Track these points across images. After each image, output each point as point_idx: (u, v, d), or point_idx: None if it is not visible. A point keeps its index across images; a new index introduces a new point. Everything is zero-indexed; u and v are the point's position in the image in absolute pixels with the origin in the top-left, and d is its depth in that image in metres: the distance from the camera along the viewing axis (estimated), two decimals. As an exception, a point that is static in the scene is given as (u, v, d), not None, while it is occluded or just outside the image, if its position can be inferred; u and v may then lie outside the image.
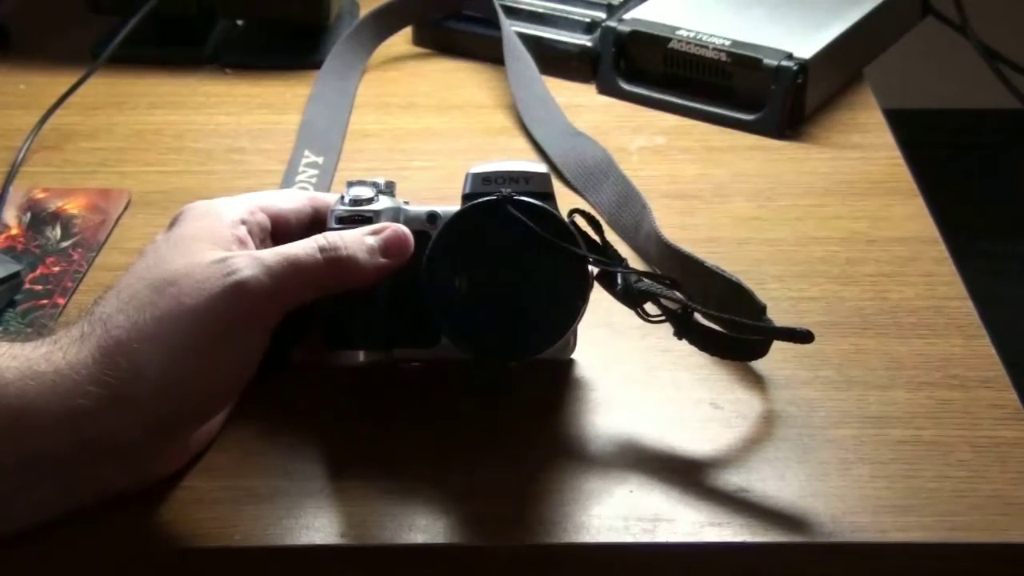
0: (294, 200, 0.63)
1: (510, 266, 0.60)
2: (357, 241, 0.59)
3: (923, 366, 0.66)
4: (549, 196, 0.61)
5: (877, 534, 0.56)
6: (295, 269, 0.57)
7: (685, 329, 0.61)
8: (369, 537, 0.57)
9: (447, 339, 0.61)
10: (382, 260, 0.60)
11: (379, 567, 0.58)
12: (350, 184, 0.63)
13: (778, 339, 0.59)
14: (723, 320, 0.61)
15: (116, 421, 0.54)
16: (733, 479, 0.59)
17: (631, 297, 0.61)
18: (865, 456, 0.60)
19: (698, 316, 0.61)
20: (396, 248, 0.60)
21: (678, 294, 0.61)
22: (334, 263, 0.58)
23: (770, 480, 0.59)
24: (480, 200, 0.60)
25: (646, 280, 0.61)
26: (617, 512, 0.58)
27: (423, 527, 0.57)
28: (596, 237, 0.62)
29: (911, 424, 0.62)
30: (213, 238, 0.58)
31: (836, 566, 0.57)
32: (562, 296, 0.60)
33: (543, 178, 0.61)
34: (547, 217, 0.60)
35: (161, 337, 0.54)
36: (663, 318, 0.61)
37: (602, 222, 0.63)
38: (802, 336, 0.58)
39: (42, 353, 0.54)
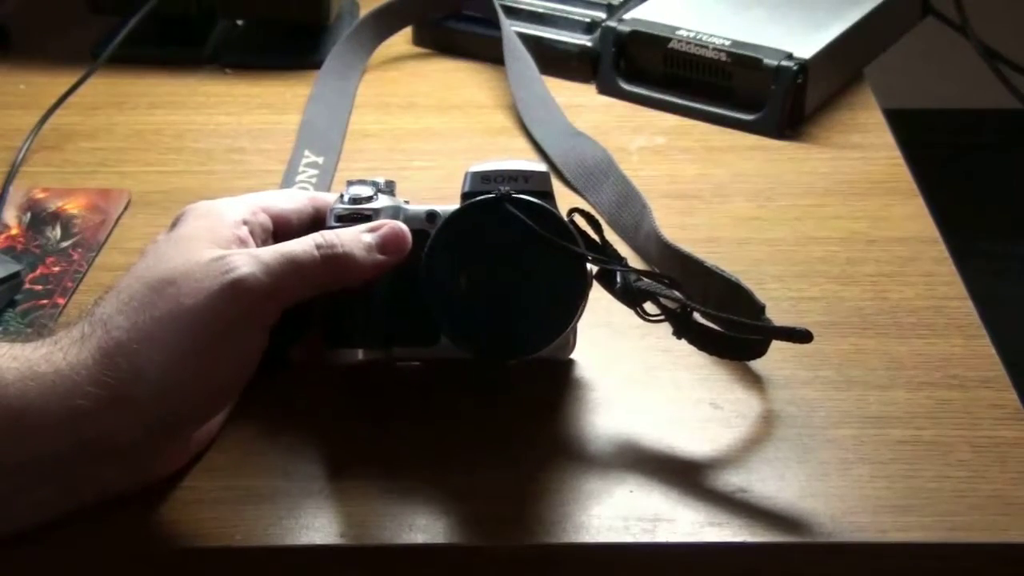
0: (295, 200, 0.63)
1: (509, 264, 0.60)
2: (354, 238, 0.59)
3: (923, 366, 0.66)
4: (548, 195, 0.61)
5: (877, 534, 0.56)
6: (293, 267, 0.57)
7: (684, 328, 0.61)
8: (369, 537, 0.57)
9: (446, 338, 0.61)
10: (379, 257, 0.60)
11: (379, 567, 0.58)
12: (350, 183, 0.63)
13: (777, 339, 0.59)
14: (722, 319, 0.61)
15: (116, 422, 0.54)
16: (733, 479, 0.59)
17: (630, 296, 0.61)
18: (865, 456, 0.60)
19: (697, 316, 0.61)
20: (393, 245, 0.60)
21: (677, 293, 0.61)
22: (331, 260, 0.58)
23: (770, 480, 0.59)
24: (478, 198, 0.60)
25: (645, 279, 0.61)
26: (617, 512, 0.58)
27: (423, 527, 0.57)
28: (596, 236, 0.62)
29: (911, 424, 0.62)
30: (214, 238, 0.58)
31: (836, 566, 0.57)
32: (561, 294, 0.60)
33: (542, 177, 0.61)
34: (545, 215, 0.60)
35: (161, 338, 0.54)
36: (662, 317, 0.61)
37: (602, 222, 0.63)
38: (801, 336, 0.58)
39: (42, 354, 0.54)
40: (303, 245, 0.58)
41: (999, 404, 0.63)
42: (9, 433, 0.53)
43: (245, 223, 0.60)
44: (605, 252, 0.62)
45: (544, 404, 0.64)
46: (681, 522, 0.57)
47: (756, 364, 0.65)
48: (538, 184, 0.61)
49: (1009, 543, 0.56)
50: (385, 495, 0.59)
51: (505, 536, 0.57)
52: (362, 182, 0.63)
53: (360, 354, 0.62)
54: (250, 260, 0.56)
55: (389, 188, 0.64)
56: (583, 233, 0.61)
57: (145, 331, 0.54)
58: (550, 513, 0.58)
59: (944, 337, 0.68)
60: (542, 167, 0.61)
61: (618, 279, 0.61)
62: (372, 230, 0.60)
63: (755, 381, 0.65)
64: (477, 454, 0.61)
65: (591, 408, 0.64)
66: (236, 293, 0.55)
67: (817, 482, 0.59)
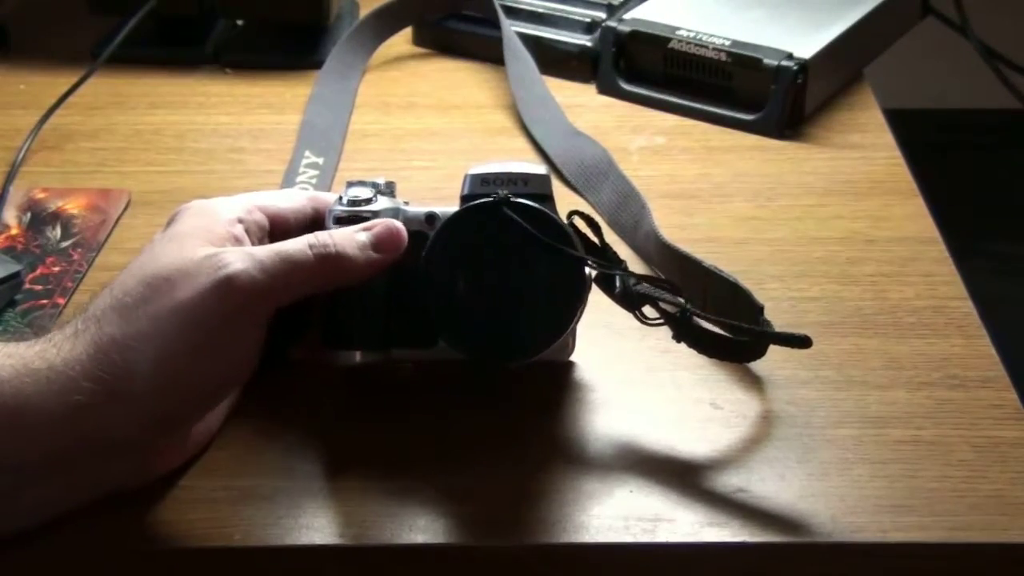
0: (293, 200, 0.63)
1: (507, 267, 0.60)
2: (348, 238, 0.59)
3: (923, 366, 0.66)
4: (548, 198, 0.61)
5: (877, 534, 0.56)
6: (287, 265, 0.57)
7: (684, 333, 0.61)
8: (369, 537, 0.57)
9: (444, 341, 0.61)
10: (374, 255, 0.59)
11: (379, 567, 0.58)
12: (349, 184, 0.63)
13: (776, 344, 0.59)
14: (722, 324, 0.61)
15: (113, 417, 0.54)
16: (733, 479, 0.59)
17: (629, 300, 0.61)
18: (865, 456, 0.60)
19: (697, 319, 0.61)
20: (388, 243, 0.60)
21: (678, 298, 0.61)
22: (325, 260, 0.58)
23: (770, 480, 0.59)
24: (477, 202, 0.60)
25: (645, 283, 0.61)
26: (617, 512, 0.58)
27: (423, 527, 0.57)
28: (595, 239, 0.62)
29: (911, 424, 0.62)
30: (208, 235, 0.58)
31: (836, 566, 0.57)
32: (559, 297, 0.60)
33: (542, 179, 0.61)
34: (544, 219, 0.60)
35: (154, 334, 0.54)
36: (661, 321, 0.61)
37: (601, 224, 0.63)
38: (800, 341, 0.58)
39: (36, 351, 0.54)
40: (297, 244, 0.58)
41: (999, 404, 0.63)
42: (7, 431, 0.53)
43: (240, 221, 0.60)
44: (605, 255, 0.62)
45: (544, 404, 0.64)
46: (681, 522, 0.57)
47: (756, 364, 0.65)
48: (538, 187, 0.61)
49: (1009, 543, 0.56)
50: (385, 495, 0.59)
51: (505, 536, 0.57)
52: (362, 183, 0.63)
53: (358, 356, 0.62)
54: (244, 257, 0.56)
55: (389, 189, 0.64)
56: (582, 236, 0.61)
57: (138, 327, 0.54)
58: (550, 513, 0.58)
59: (944, 337, 0.68)
60: (542, 169, 0.61)
61: (617, 283, 0.61)
62: (367, 229, 0.60)
63: (755, 381, 0.65)
64: (477, 454, 0.61)
65: (591, 408, 0.64)
66: (229, 290, 0.55)
67: (817, 482, 0.59)
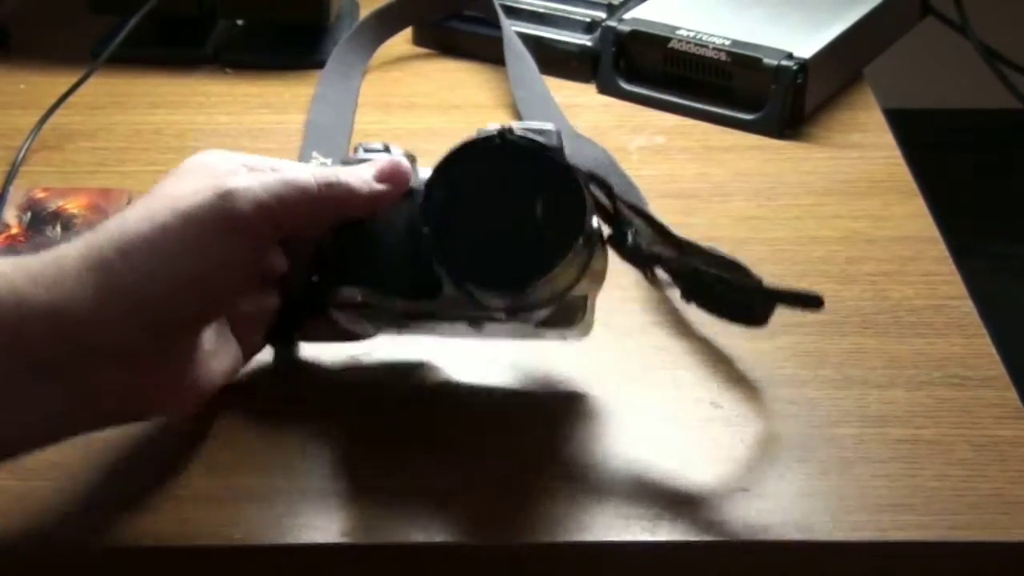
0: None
1: (507, 199, 0.58)
2: (351, 171, 0.60)
3: (923, 365, 0.66)
4: (558, 150, 0.59)
5: (877, 533, 0.56)
6: (290, 188, 0.57)
7: (693, 292, 0.59)
8: (369, 536, 0.57)
9: (445, 275, 0.59)
10: (378, 187, 0.60)
11: (380, 566, 0.58)
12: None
13: (784, 302, 0.58)
14: (731, 282, 0.59)
15: (105, 319, 0.53)
16: (733, 478, 0.59)
17: (641, 259, 0.60)
18: (865, 455, 0.60)
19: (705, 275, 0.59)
20: (391, 173, 0.60)
21: (687, 258, 0.60)
22: (328, 187, 0.58)
23: (770, 479, 0.59)
24: (478, 136, 0.59)
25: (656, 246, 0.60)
26: (618, 511, 0.58)
27: (424, 526, 0.57)
28: (608, 203, 0.61)
29: (911, 423, 0.62)
30: (212, 171, 0.58)
31: (836, 566, 0.57)
32: (559, 225, 0.58)
33: (551, 134, 0.59)
34: (546, 148, 0.58)
35: (152, 234, 0.54)
36: (670, 281, 0.60)
37: (614, 187, 0.61)
38: (809, 300, 0.57)
39: (34, 254, 0.54)
40: (302, 172, 0.58)
41: (999, 403, 0.63)
42: (3, 327, 0.52)
43: (244, 165, 0.60)
44: (619, 219, 0.60)
45: (544, 404, 0.64)
46: (681, 521, 0.57)
47: (757, 363, 0.65)
48: (548, 140, 0.60)
49: (1009, 542, 0.56)
50: (385, 494, 0.59)
51: (506, 535, 0.57)
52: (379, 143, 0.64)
53: (359, 295, 0.61)
54: (247, 177, 0.57)
55: (410, 159, 0.63)
56: (596, 200, 0.60)
57: (138, 228, 0.54)
58: (551, 512, 0.58)
59: (944, 336, 0.68)
60: (551, 126, 0.60)
61: (629, 240, 0.60)
62: (371, 166, 0.61)
63: (755, 380, 0.65)
64: (478, 453, 0.61)
65: (591, 408, 0.64)
66: (231, 201, 0.55)
67: (817, 481, 0.59)
